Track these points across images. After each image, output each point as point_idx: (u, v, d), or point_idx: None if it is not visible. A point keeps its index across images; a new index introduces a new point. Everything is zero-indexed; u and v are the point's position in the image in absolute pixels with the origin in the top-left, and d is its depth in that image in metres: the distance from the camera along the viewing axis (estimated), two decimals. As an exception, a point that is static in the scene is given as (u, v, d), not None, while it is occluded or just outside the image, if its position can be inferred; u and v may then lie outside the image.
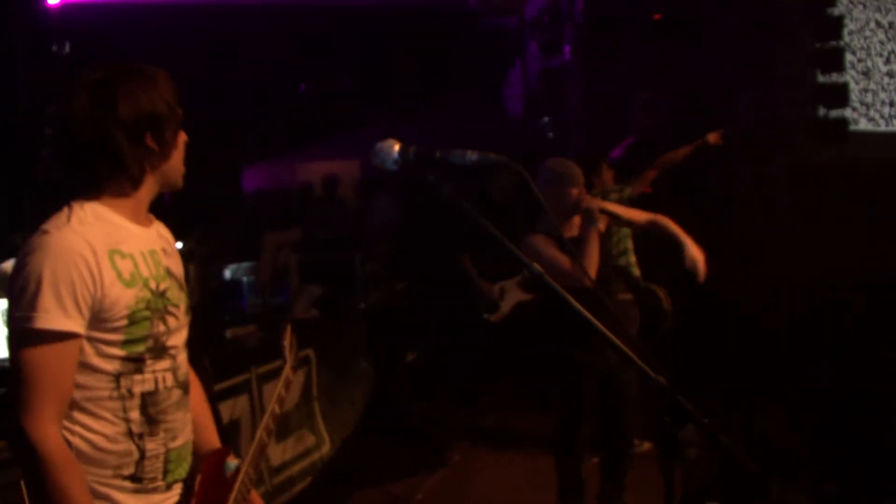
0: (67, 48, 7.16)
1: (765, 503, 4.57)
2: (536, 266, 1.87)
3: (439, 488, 5.56)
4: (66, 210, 1.97)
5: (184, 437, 2.15)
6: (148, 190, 2.08)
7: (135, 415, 2.02)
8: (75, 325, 1.89)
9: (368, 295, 6.34)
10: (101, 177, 1.99)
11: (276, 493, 4.82)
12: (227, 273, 5.79)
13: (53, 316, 1.86)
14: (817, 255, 7.78)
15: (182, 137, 2.13)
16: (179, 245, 5.51)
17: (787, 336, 7.33)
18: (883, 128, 8.98)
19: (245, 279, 5.72)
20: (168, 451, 2.09)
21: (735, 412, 5.67)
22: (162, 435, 2.08)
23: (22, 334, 1.87)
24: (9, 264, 4.34)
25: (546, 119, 9.95)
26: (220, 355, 4.69)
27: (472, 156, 1.90)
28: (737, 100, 8.99)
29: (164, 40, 8.09)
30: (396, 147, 1.95)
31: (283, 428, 5.05)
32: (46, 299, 1.86)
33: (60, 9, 7.04)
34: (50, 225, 1.94)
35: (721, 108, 9.00)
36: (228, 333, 4.93)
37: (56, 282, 1.86)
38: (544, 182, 4.39)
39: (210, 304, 5.26)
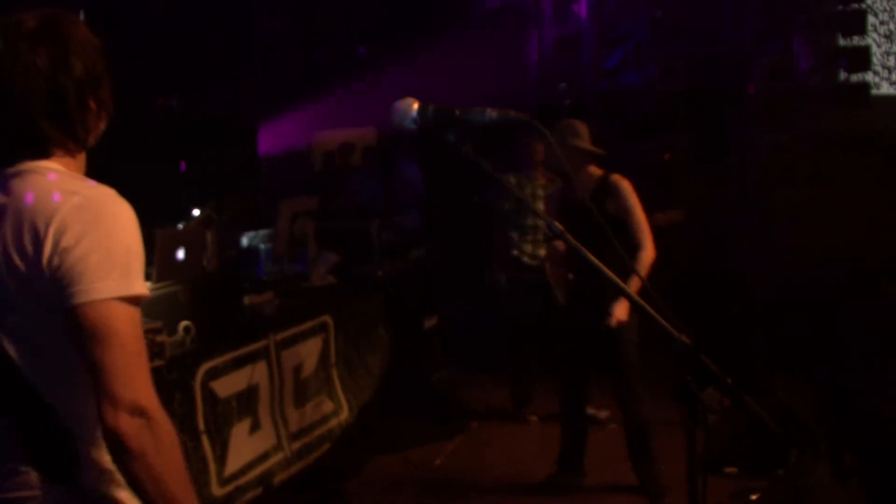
0: (82, 16, 7.13)
1: (783, 471, 4.57)
2: (558, 224, 1.86)
3: (457, 454, 5.58)
4: (61, 169, 1.80)
5: None
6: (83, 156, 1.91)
7: None
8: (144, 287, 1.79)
9: (386, 262, 6.32)
10: (50, 140, 1.81)
11: (295, 459, 4.85)
12: (245, 240, 5.79)
13: (140, 282, 1.75)
14: (838, 225, 7.71)
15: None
16: (197, 212, 5.54)
17: (808, 307, 7.28)
18: (905, 92, 8.87)
19: (262, 246, 5.71)
20: None
21: (754, 384, 5.65)
22: None
23: (117, 303, 1.71)
24: None
25: (563, 85, 9.89)
26: (238, 322, 4.70)
27: (491, 113, 1.88)
28: (756, 65, 8.89)
29: (175, 17, 8.04)
30: (415, 106, 1.92)
31: (302, 394, 5.07)
32: (136, 265, 1.75)
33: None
34: (84, 186, 1.77)
35: (740, 74, 8.92)
36: (246, 300, 4.93)
37: (136, 247, 1.76)
38: (561, 138, 4.53)
39: (228, 271, 5.25)
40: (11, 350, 1.75)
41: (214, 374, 4.24)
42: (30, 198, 1.74)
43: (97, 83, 1.85)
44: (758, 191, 8.97)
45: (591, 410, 5.98)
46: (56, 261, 1.69)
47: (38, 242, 1.70)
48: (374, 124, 9.97)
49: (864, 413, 4.76)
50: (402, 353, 6.18)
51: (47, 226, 1.70)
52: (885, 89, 8.79)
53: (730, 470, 4.82)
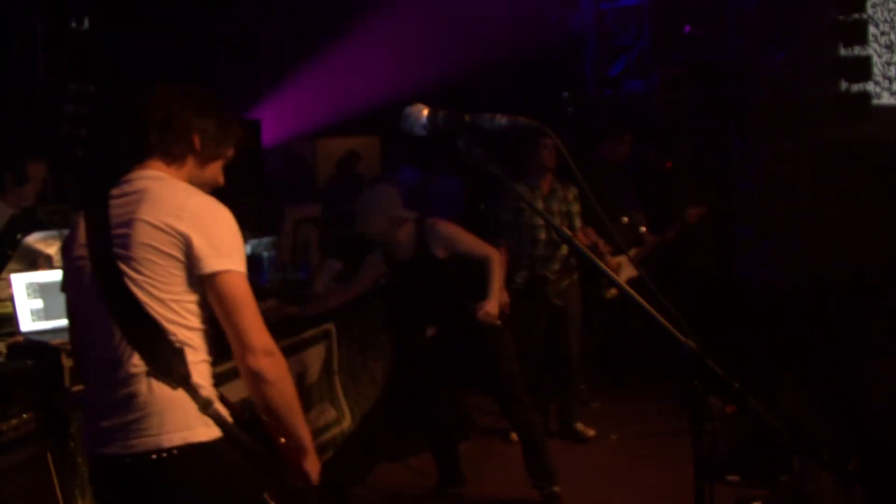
0: (87, 24, 7.16)
1: (786, 478, 4.57)
2: (565, 230, 1.87)
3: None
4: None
5: None
6: (186, 172, 2.55)
7: None
8: None
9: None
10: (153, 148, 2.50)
11: (299, 466, 4.84)
12: (248, 248, 5.79)
13: (244, 261, 2.43)
14: (839, 234, 7.73)
15: (221, 162, 2.64)
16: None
17: (808, 314, 7.29)
18: (906, 102, 8.90)
19: (265, 254, 5.71)
20: None
21: (757, 390, 5.65)
22: None
23: (242, 277, 2.38)
24: (34, 237, 4.36)
25: (566, 94, 9.91)
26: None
27: (501, 120, 1.89)
28: (759, 75, 8.91)
29: (186, 14, 8.08)
30: (425, 112, 1.94)
31: (305, 401, 5.06)
32: (244, 252, 2.44)
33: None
34: (197, 191, 2.47)
35: (743, 84, 8.94)
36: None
37: (241, 240, 2.44)
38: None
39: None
40: (141, 294, 2.34)
41: (219, 381, 4.21)
42: (160, 187, 2.42)
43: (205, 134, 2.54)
44: (759, 200, 9.00)
45: (579, 427, 6.00)
46: (196, 237, 2.32)
47: (178, 218, 2.34)
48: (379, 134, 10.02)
49: (867, 419, 4.76)
50: (403, 360, 6.17)
51: (182, 209, 2.35)
52: (886, 99, 8.81)
53: (732, 478, 4.82)
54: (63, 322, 2.82)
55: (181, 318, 2.37)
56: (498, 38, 9.56)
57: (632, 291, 1.88)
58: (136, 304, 2.33)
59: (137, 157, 2.50)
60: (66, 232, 3.31)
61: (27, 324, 3.66)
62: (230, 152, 2.65)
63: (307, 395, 5.09)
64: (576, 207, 5.77)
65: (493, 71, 9.66)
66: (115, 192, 2.45)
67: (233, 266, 2.36)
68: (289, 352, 4.92)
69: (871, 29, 8.66)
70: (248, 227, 6.17)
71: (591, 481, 5.21)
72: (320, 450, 5.08)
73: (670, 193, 8.50)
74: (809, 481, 4.12)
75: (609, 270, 1.84)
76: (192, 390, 2.37)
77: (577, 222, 5.79)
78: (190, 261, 2.34)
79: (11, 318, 3.66)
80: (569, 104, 9.93)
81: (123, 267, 2.34)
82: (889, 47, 8.85)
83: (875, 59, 8.67)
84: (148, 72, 7.60)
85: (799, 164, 8.81)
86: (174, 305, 2.36)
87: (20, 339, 3.59)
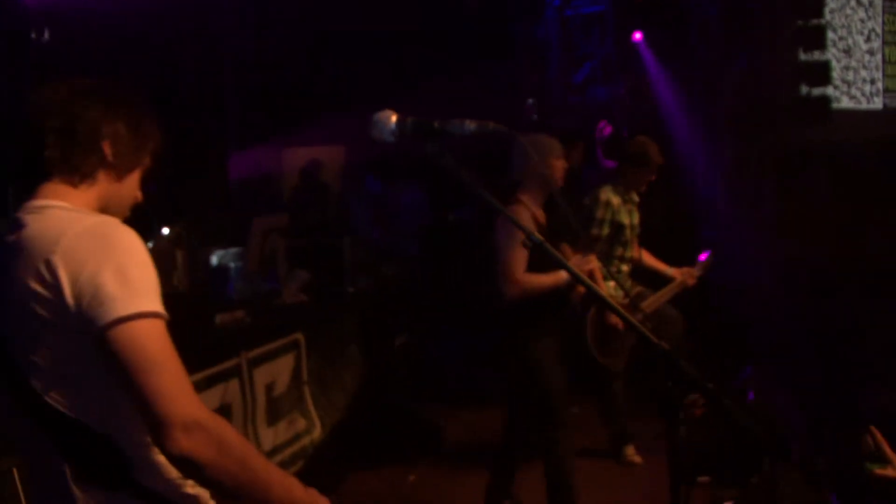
0: (47, 35, 7.07)
1: (756, 478, 4.60)
2: (537, 235, 1.87)
3: (432, 470, 5.57)
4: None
5: None
6: (97, 193, 1.98)
7: None
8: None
9: (357, 279, 6.31)
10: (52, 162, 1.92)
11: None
12: (214, 259, 5.74)
13: (154, 299, 1.76)
14: (803, 236, 7.82)
15: (139, 173, 2.07)
16: (166, 231, 5.51)
17: (774, 314, 7.37)
18: (864, 105, 9.02)
19: (232, 265, 5.67)
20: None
21: (726, 389, 5.70)
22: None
23: (152, 324, 1.73)
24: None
25: (531, 101, 9.95)
26: (209, 340, 4.67)
27: (470, 125, 1.89)
28: (722, 81, 9.01)
29: (147, 27, 8.00)
30: (394, 118, 1.93)
31: (274, 412, 5.03)
32: (151, 285, 1.77)
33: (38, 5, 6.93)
34: (85, 216, 1.85)
35: (708, 91, 9.03)
36: (217, 319, 4.90)
37: (148, 268, 1.79)
38: (525, 155, 4.39)
39: (199, 289, 5.22)
40: (38, 383, 1.76)
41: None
42: (38, 223, 1.81)
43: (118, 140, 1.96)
44: (724, 204, 9.08)
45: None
46: (73, 280, 1.71)
47: (48, 261, 1.73)
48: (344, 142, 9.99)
49: (839, 414, 4.82)
50: (374, 370, 6.16)
51: (56, 244, 1.74)
52: (845, 103, 8.93)
53: (702, 479, 4.85)
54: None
55: (100, 402, 1.79)
56: (462, 46, 9.59)
57: (602, 293, 1.89)
58: (37, 398, 1.76)
59: (33, 180, 1.91)
60: None
61: None
62: (147, 160, 2.07)
63: (277, 406, 5.06)
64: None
65: (457, 80, 9.67)
66: (6, 238, 1.86)
67: (134, 308, 1.70)
68: (258, 361, 4.89)
69: (830, 34, 8.79)
70: (215, 238, 6.13)
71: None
72: (291, 460, 5.06)
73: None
74: (780, 481, 4.15)
75: (580, 273, 1.84)
76: (140, 493, 1.82)
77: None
78: (75, 316, 1.71)
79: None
80: (533, 111, 9.97)
81: (14, 353, 1.78)
82: (847, 52, 8.98)
83: (833, 63, 8.79)
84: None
85: (763, 168, 8.91)
86: (85, 384, 1.77)
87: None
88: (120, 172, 1.98)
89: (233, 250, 5.82)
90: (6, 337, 1.79)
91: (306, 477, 5.02)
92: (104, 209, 1.95)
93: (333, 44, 10.00)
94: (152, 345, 1.71)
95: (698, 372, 1.77)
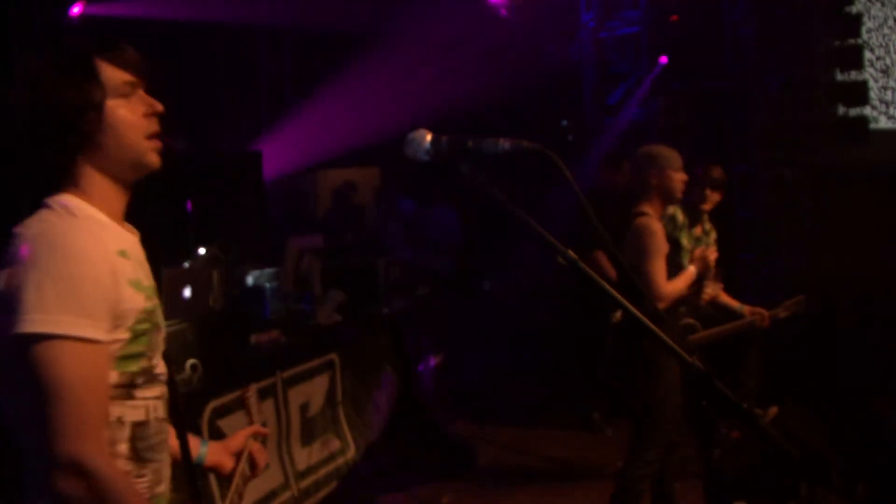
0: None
1: (793, 503, 4.53)
2: (571, 253, 1.86)
3: (465, 492, 5.54)
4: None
5: (166, 484, 1.87)
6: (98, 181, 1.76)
7: (123, 448, 1.72)
8: (101, 332, 1.62)
9: (392, 300, 6.32)
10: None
11: (302, 497, 4.81)
12: (250, 279, 5.79)
13: (79, 320, 1.58)
14: (838, 257, 7.72)
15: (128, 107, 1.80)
16: (203, 251, 5.55)
17: (815, 337, 7.27)
18: (903, 126, 8.92)
19: (268, 285, 5.71)
20: (152, 498, 1.80)
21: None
22: (149, 477, 1.79)
23: (65, 347, 1.56)
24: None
25: (565, 122, 9.96)
26: (245, 360, 4.70)
27: (504, 144, 1.88)
28: (757, 102, 8.96)
29: (178, 55, 8.11)
30: (428, 137, 1.93)
31: (309, 432, 5.05)
32: (79, 301, 1.59)
33: (81, 19, 7.08)
34: (35, 219, 1.67)
35: (742, 109, 8.98)
36: (252, 339, 4.93)
37: (87, 284, 1.60)
38: (648, 167, 4.40)
39: (234, 309, 5.26)
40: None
41: (222, 412, 4.23)
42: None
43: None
44: (760, 226, 9.00)
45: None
46: (5, 292, 1.58)
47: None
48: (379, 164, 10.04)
49: (878, 440, 4.74)
50: (408, 390, 6.16)
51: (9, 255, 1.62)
52: (884, 123, 8.84)
53: (739, 503, 4.79)
54: None
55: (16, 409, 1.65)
56: (497, 68, 9.62)
57: (638, 313, 1.87)
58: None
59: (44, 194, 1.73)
60: None
61: None
62: (137, 80, 1.84)
63: (311, 426, 5.08)
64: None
65: (492, 100, 9.70)
66: None
67: (44, 328, 1.53)
68: (293, 381, 4.92)
69: (867, 54, 8.71)
70: (251, 259, 6.18)
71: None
72: (325, 480, 5.06)
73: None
74: (818, 506, 4.08)
75: (614, 292, 1.83)
76: None
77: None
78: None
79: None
80: (568, 132, 9.98)
81: None
82: (885, 71, 8.90)
83: (871, 83, 8.71)
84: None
85: (799, 189, 8.83)
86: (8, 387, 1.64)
87: None
88: (108, 130, 1.74)
89: (268, 270, 5.86)
90: None
91: (340, 498, 5.04)
92: (115, 174, 1.77)
93: (369, 65, 10.06)
94: (57, 371, 1.54)
95: (734, 393, 1.75)
